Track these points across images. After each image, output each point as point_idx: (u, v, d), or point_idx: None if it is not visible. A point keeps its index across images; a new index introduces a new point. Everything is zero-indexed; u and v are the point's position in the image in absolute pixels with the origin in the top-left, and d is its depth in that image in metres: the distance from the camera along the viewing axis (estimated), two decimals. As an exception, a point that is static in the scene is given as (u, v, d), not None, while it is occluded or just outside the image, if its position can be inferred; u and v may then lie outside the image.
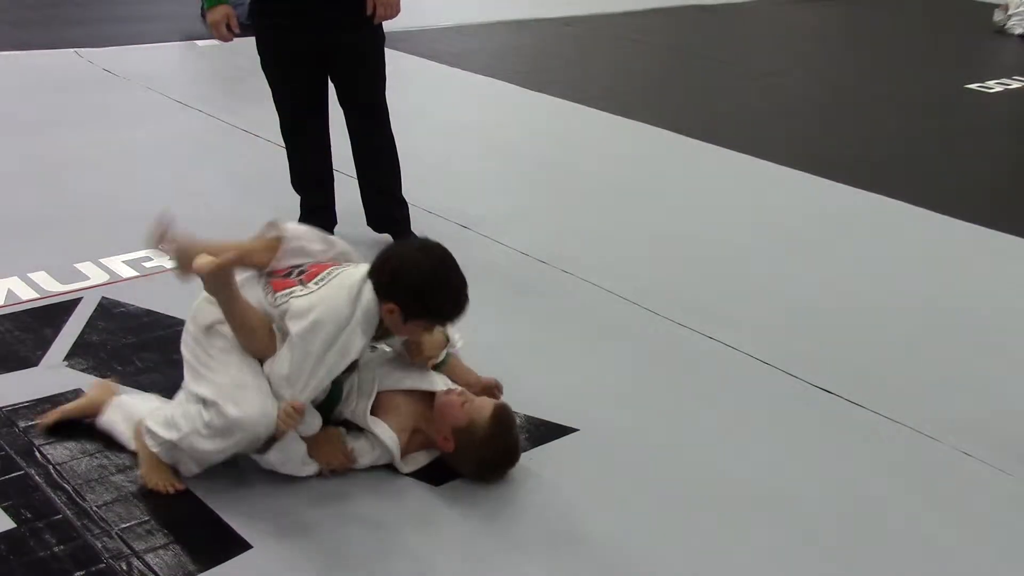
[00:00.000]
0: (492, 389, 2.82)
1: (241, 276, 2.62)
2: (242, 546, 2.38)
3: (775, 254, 4.29)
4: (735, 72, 7.75)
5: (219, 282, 2.51)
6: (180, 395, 2.59)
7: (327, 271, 2.61)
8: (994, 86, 7.45)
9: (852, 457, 2.88)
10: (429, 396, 2.71)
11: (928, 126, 6.51)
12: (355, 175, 4.07)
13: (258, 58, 3.88)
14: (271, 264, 2.67)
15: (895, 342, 3.58)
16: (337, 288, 2.54)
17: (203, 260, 2.51)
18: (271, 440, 2.52)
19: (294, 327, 2.48)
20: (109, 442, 2.69)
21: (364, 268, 2.60)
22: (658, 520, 2.58)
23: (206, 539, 2.40)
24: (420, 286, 2.48)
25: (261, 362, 2.53)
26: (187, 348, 2.60)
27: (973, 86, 7.43)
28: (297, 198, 4.08)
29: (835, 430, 3.02)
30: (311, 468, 2.59)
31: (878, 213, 4.84)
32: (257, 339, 2.53)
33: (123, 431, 2.68)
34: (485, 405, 2.64)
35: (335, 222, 4.10)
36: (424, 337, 2.72)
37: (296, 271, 2.64)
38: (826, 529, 2.58)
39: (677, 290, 3.85)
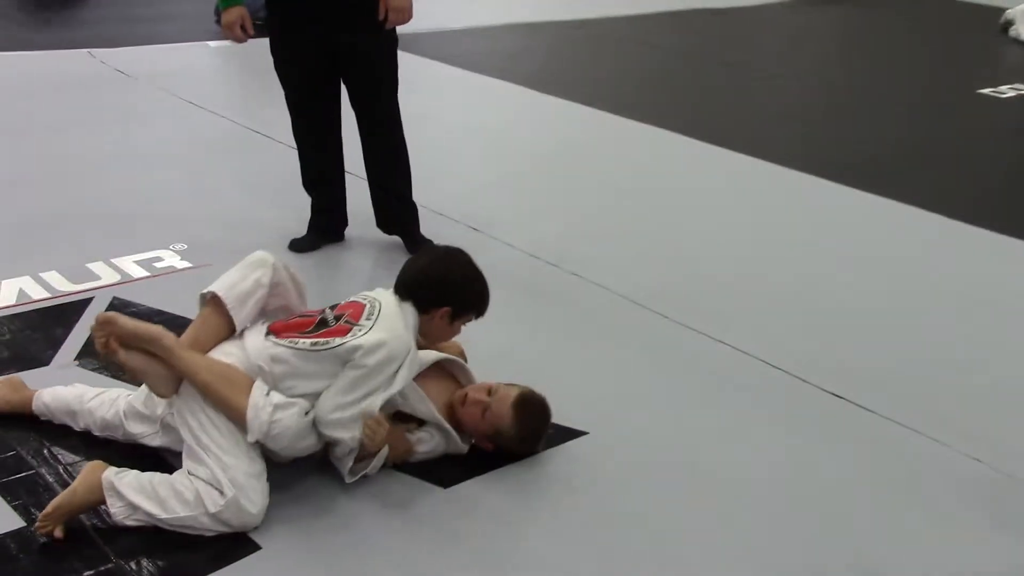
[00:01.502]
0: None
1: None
2: (251, 547, 2.39)
3: (783, 257, 4.28)
4: (745, 75, 7.74)
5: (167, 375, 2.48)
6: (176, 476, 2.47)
7: (365, 305, 2.61)
8: (1006, 91, 7.43)
9: (857, 460, 2.88)
10: (444, 371, 2.84)
11: (939, 130, 6.49)
12: (366, 176, 4.07)
13: (271, 59, 3.89)
14: (241, 322, 2.60)
15: (901, 344, 3.57)
16: (392, 319, 2.57)
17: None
18: (361, 456, 2.55)
19: (370, 359, 2.47)
20: (117, 443, 2.69)
21: (390, 293, 2.67)
22: (666, 521, 2.58)
23: (215, 540, 2.39)
24: (468, 285, 2.72)
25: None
26: (185, 420, 2.49)
27: (985, 91, 7.40)
28: (306, 203, 4.09)
29: (842, 433, 3.01)
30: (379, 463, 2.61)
31: (888, 217, 4.82)
32: (232, 401, 2.45)
33: (56, 411, 2.75)
34: (502, 407, 2.68)
35: (346, 223, 4.11)
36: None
37: (321, 322, 2.59)
38: (829, 530, 2.58)
39: (686, 293, 3.84)
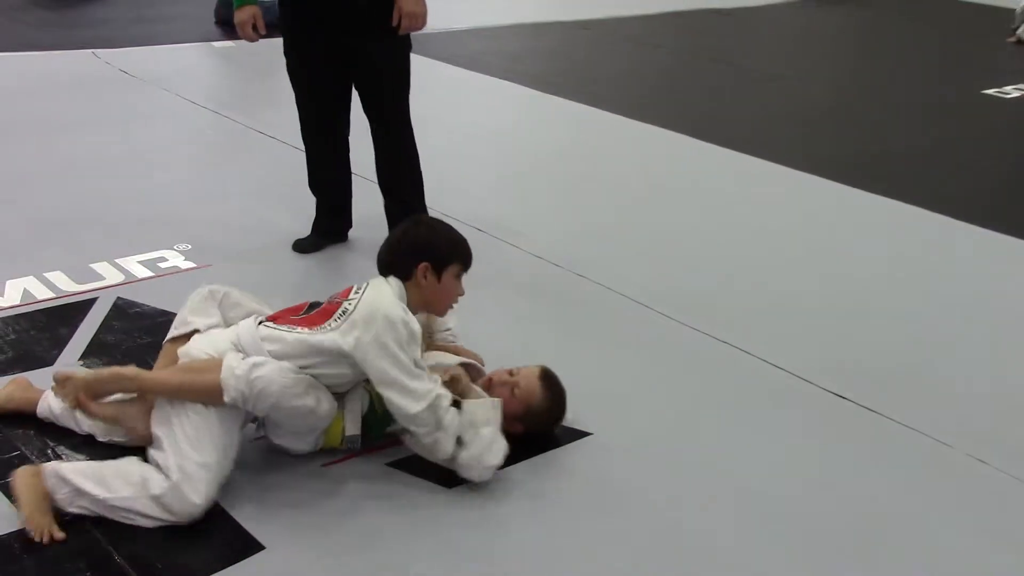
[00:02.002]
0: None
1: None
2: (256, 547, 2.38)
3: (788, 258, 4.28)
4: (750, 76, 7.74)
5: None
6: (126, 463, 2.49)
7: (352, 287, 2.68)
8: (1011, 91, 7.42)
9: (860, 460, 2.88)
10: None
11: (944, 130, 6.48)
12: (376, 180, 4.06)
13: (279, 60, 3.88)
14: (203, 324, 2.70)
15: (907, 346, 3.57)
16: (377, 289, 2.63)
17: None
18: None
19: (368, 333, 2.50)
20: (119, 446, 2.69)
21: (376, 277, 2.73)
22: (669, 522, 2.57)
23: (220, 540, 2.40)
24: (435, 234, 2.77)
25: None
26: (162, 413, 2.51)
27: (990, 91, 7.39)
28: (311, 198, 4.09)
29: (844, 433, 3.01)
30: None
31: (892, 218, 4.82)
32: (205, 380, 2.47)
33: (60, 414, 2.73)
34: (531, 382, 2.78)
35: (350, 224, 4.10)
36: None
37: (312, 305, 2.69)
38: (833, 532, 2.57)
39: (690, 294, 3.84)
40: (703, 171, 5.44)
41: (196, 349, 2.60)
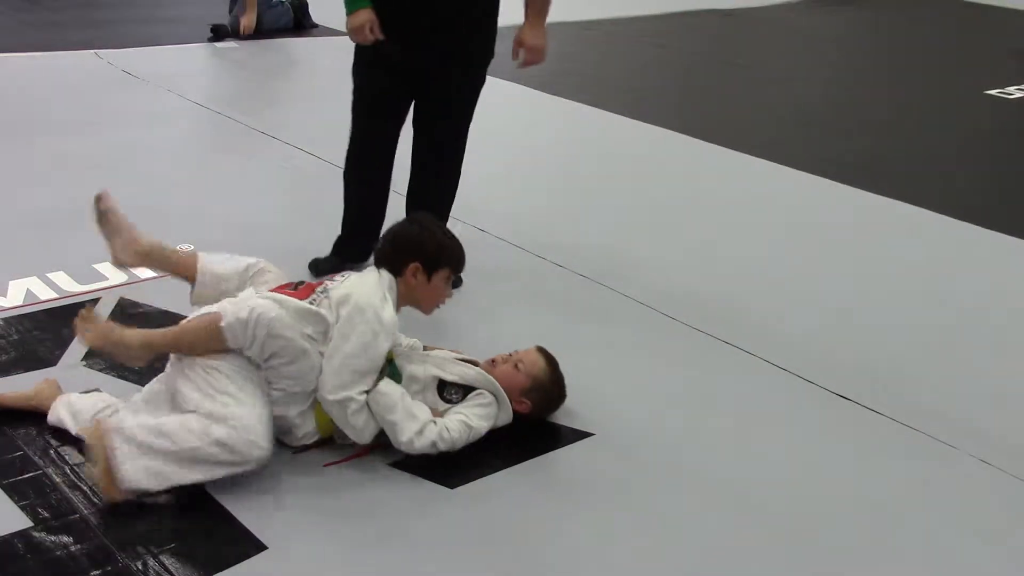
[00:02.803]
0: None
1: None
2: (257, 547, 2.39)
3: (788, 257, 4.28)
4: (753, 76, 7.74)
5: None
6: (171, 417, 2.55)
7: (343, 274, 2.80)
8: (1014, 92, 7.42)
9: (862, 461, 2.88)
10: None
11: (947, 131, 6.49)
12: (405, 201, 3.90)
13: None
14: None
15: (908, 346, 3.58)
16: (364, 277, 2.74)
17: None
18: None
19: (344, 310, 2.61)
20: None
21: (368, 269, 2.82)
22: (670, 522, 2.58)
23: (222, 540, 2.40)
24: (428, 235, 2.83)
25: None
26: (185, 377, 2.58)
27: (993, 92, 7.39)
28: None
29: (846, 434, 3.02)
30: None
31: (895, 218, 4.82)
32: (203, 319, 2.59)
33: (71, 426, 2.71)
34: (532, 357, 2.88)
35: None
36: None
37: (299, 283, 2.77)
38: (833, 531, 2.58)
39: (690, 294, 3.84)
40: (703, 171, 5.44)
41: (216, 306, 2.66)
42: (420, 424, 2.63)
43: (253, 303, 2.55)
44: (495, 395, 2.79)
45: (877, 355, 3.50)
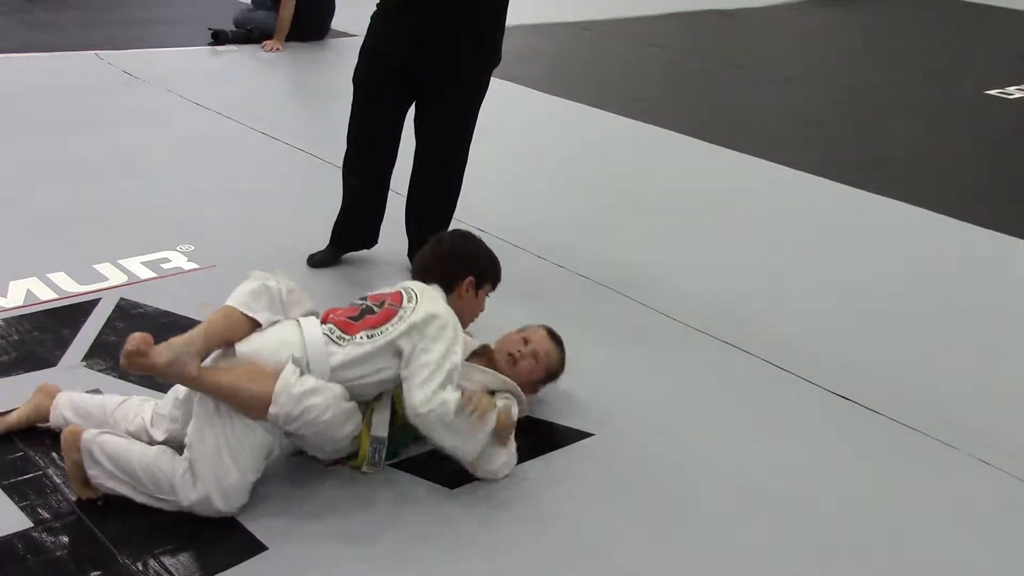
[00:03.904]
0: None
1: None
2: (257, 548, 2.39)
3: (789, 258, 4.28)
4: (752, 77, 7.74)
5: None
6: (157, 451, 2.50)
7: (403, 292, 2.67)
8: (1014, 92, 7.42)
9: (863, 461, 2.88)
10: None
11: (947, 131, 6.49)
12: (405, 206, 3.93)
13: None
14: (262, 317, 2.56)
15: (908, 346, 3.57)
16: (431, 294, 2.68)
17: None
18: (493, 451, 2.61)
19: (429, 329, 2.54)
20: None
21: (415, 283, 2.75)
22: (670, 523, 2.58)
23: (221, 540, 2.40)
24: (481, 251, 2.90)
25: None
26: (214, 414, 2.47)
27: (993, 92, 7.39)
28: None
29: (846, 435, 3.02)
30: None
31: (894, 218, 4.82)
32: (256, 389, 2.44)
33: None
34: (546, 345, 2.94)
35: (375, 240, 3.97)
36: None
37: (365, 310, 2.63)
38: (833, 531, 2.58)
39: (691, 294, 3.85)
40: (703, 171, 5.44)
41: (259, 352, 2.50)
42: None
43: (309, 403, 2.43)
44: (513, 394, 2.81)
45: (877, 355, 3.50)
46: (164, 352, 2.38)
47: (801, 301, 3.88)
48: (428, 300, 2.64)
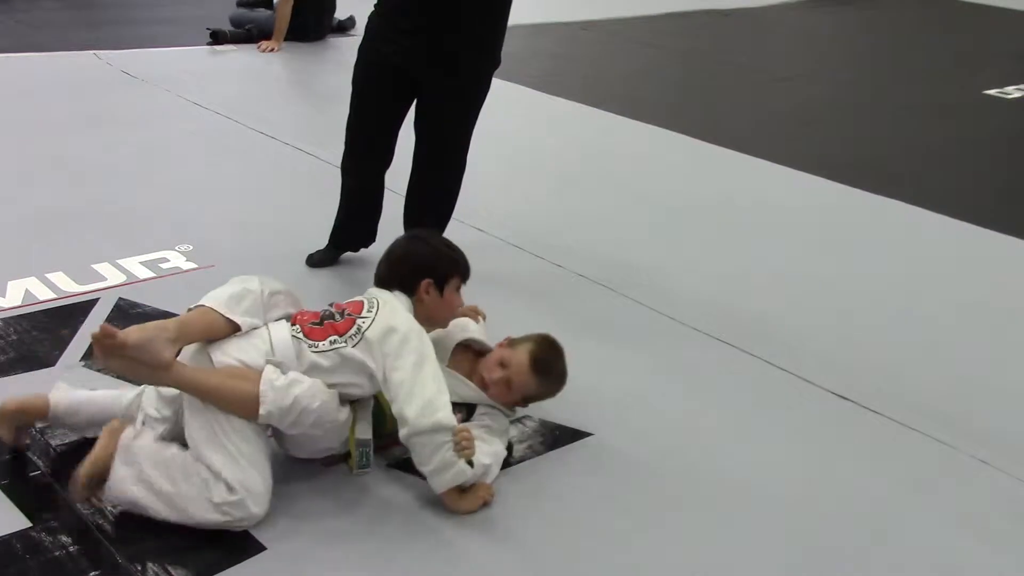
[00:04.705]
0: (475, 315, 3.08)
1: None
2: (256, 548, 2.39)
3: (788, 258, 4.28)
4: (751, 77, 7.74)
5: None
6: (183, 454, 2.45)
7: (364, 302, 2.66)
8: (1012, 92, 7.42)
9: (862, 462, 2.88)
10: (468, 350, 2.92)
11: (946, 131, 6.49)
12: (403, 206, 3.91)
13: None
14: (241, 321, 2.54)
15: (908, 346, 3.57)
16: (391, 305, 2.64)
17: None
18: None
19: (389, 346, 2.51)
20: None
21: (381, 290, 2.73)
22: (671, 523, 2.58)
23: (220, 541, 2.40)
24: (434, 251, 2.82)
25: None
26: (200, 418, 2.45)
27: (992, 91, 7.39)
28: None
29: (846, 435, 3.02)
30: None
31: (893, 218, 4.82)
32: (242, 389, 2.43)
33: (83, 425, 2.66)
34: (522, 369, 2.76)
35: (373, 238, 3.97)
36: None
37: (326, 315, 2.63)
38: (833, 532, 2.58)
39: (691, 294, 3.84)
40: (703, 171, 5.44)
41: (230, 355, 2.49)
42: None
43: (296, 392, 2.42)
44: (495, 408, 2.78)
45: (877, 355, 3.50)
46: (134, 332, 2.35)
47: (801, 301, 3.88)
48: (388, 311, 2.60)
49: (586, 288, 3.88)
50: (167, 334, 2.39)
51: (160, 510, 2.39)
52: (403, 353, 2.51)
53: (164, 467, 2.40)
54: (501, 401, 2.80)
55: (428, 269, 2.75)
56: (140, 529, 2.40)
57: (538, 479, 2.70)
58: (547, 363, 2.82)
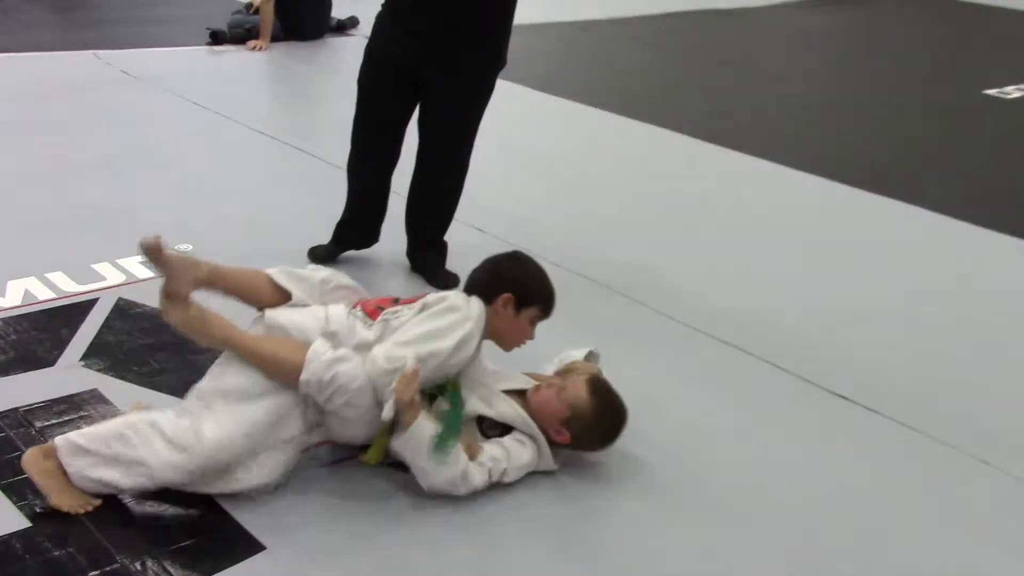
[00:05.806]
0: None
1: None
2: (256, 547, 2.39)
3: (789, 259, 4.28)
4: (751, 77, 7.74)
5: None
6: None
7: (421, 304, 2.68)
8: (1012, 92, 7.42)
9: (864, 463, 2.88)
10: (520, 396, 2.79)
11: (945, 131, 6.49)
12: (406, 202, 3.91)
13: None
14: (296, 295, 2.66)
15: (908, 346, 3.58)
16: (460, 298, 2.68)
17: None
18: (393, 424, 2.52)
19: (435, 307, 2.59)
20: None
21: (457, 294, 2.74)
22: (671, 524, 2.58)
23: (220, 540, 2.40)
24: (526, 272, 2.78)
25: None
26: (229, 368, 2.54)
27: (991, 92, 7.39)
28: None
29: (848, 436, 3.02)
30: (454, 465, 2.54)
31: (893, 218, 4.82)
32: (288, 355, 2.49)
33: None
34: (578, 385, 2.71)
35: (376, 238, 3.98)
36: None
37: (393, 300, 2.71)
38: (833, 532, 2.58)
39: (691, 294, 3.84)
40: (703, 171, 5.44)
41: (289, 327, 2.57)
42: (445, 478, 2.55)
43: (339, 369, 2.45)
44: (533, 437, 2.69)
45: (877, 355, 3.50)
46: (175, 255, 2.51)
47: (801, 301, 3.88)
48: (456, 296, 2.67)
49: (586, 288, 3.88)
50: (199, 273, 2.55)
51: (121, 479, 2.40)
52: (439, 317, 2.57)
53: (111, 434, 2.43)
54: (545, 409, 2.69)
55: (513, 284, 2.71)
56: (140, 529, 2.41)
57: (537, 479, 2.70)
58: (605, 387, 2.74)
